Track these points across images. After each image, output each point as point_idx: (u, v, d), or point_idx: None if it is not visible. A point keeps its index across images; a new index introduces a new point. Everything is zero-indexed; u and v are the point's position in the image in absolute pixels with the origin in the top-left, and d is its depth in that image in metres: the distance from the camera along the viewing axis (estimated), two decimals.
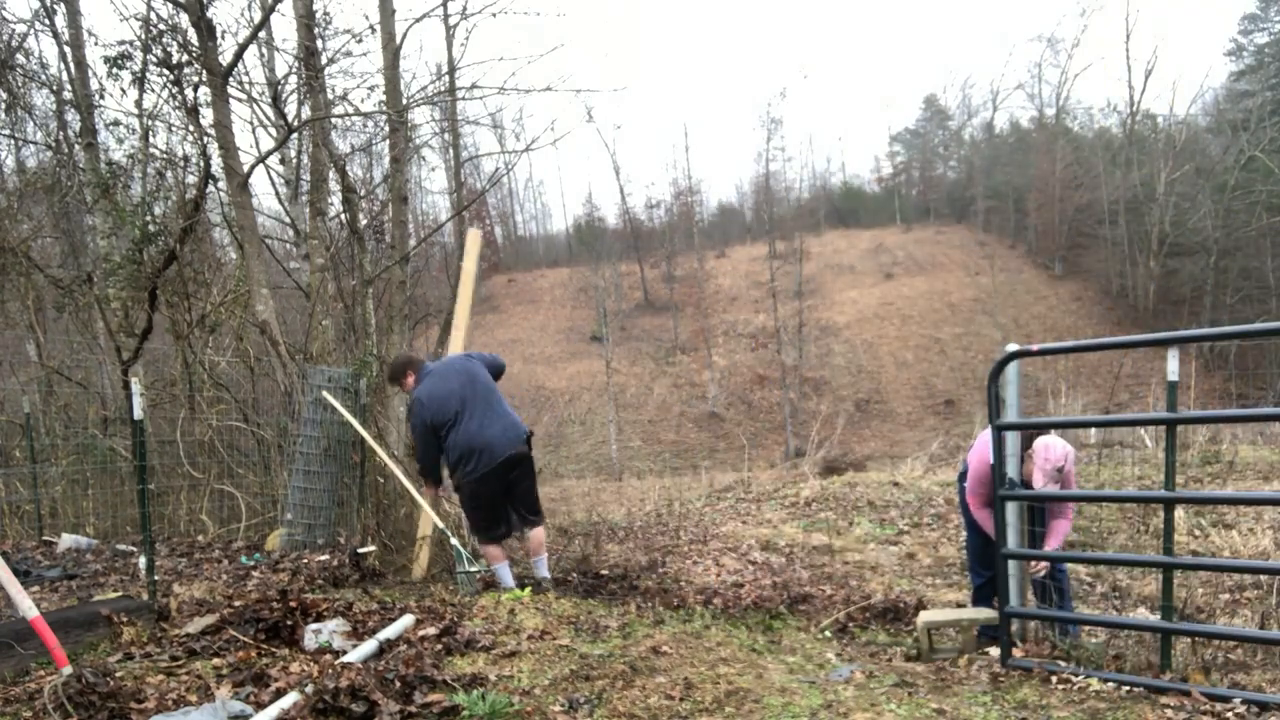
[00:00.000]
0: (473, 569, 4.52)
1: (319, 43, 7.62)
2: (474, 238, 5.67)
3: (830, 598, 4.96)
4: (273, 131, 9.87)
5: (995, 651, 3.48)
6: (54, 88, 9.56)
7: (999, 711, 2.73)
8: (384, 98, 8.16)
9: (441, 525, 4.83)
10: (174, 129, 9.27)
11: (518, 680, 2.80)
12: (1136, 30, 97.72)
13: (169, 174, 8.75)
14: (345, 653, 2.98)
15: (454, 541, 4.63)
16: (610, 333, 38.40)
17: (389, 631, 3.20)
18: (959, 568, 6.46)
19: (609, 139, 74.88)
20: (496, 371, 4.89)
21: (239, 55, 6.89)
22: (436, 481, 4.87)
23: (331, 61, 8.18)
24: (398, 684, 2.51)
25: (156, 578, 4.22)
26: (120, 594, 4.14)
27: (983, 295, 40.96)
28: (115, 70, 7.26)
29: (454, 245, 17.30)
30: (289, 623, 3.22)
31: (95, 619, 3.20)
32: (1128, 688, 2.88)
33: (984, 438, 4.06)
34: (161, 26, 7.04)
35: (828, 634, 4.33)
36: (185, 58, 6.95)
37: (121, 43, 7.27)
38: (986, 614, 3.80)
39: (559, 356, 41.37)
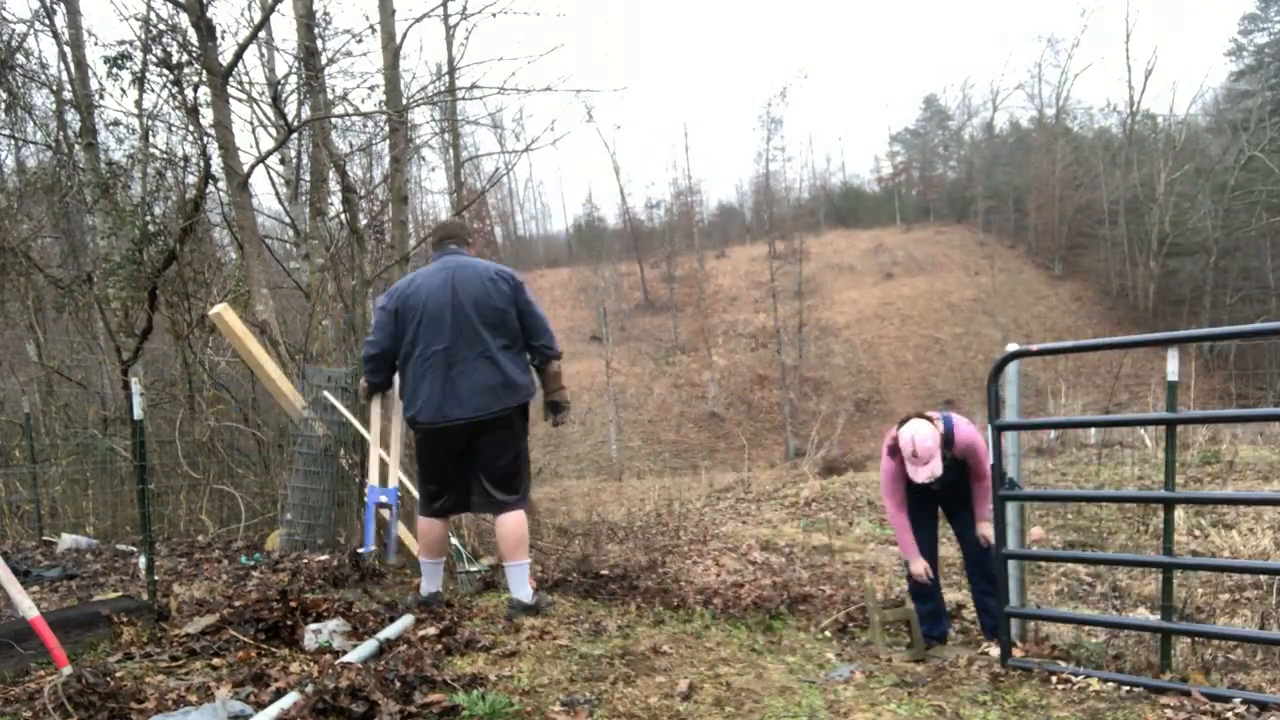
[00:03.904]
0: (473, 569, 4.52)
1: (319, 43, 7.61)
2: (219, 315, 5.29)
3: (830, 598, 4.96)
4: (273, 131, 9.86)
5: (995, 651, 3.48)
6: (54, 88, 9.55)
7: (999, 711, 2.73)
8: (384, 98, 8.15)
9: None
10: (174, 129, 9.26)
11: (518, 680, 2.79)
12: (1136, 30, 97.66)
13: (169, 174, 8.73)
14: (345, 653, 2.98)
15: (454, 541, 4.63)
16: (610, 333, 38.40)
17: (389, 631, 3.20)
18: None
19: (609, 139, 74.79)
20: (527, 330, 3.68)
21: (239, 55, 6.88)
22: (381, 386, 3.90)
23: (331, 61, 8.17)
24: (398, 684, 2.51)
25: (156, 578, 4.21)
26: (120, 594, 4.14)
27: (983, 295, 40.96)
28: (115, 70, 7.26)
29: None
30: (289, 623, 3.21)
31: (95, 619, 3.20)
32: (1128, 688, 2.89)
33: (891, 432, 4.04)
34: (161, 26, 7.04)
35: (828, 634, 4.33)
36: (185, 58, 6.94)
37: (121, 43, 7.27)
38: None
39: None
